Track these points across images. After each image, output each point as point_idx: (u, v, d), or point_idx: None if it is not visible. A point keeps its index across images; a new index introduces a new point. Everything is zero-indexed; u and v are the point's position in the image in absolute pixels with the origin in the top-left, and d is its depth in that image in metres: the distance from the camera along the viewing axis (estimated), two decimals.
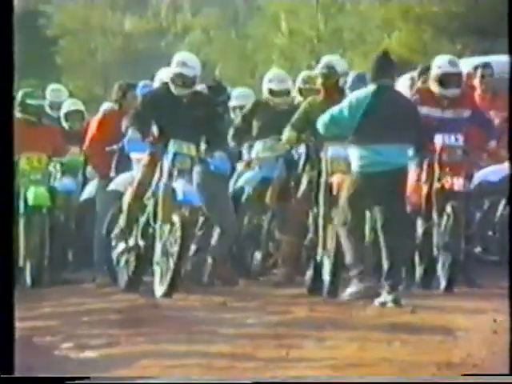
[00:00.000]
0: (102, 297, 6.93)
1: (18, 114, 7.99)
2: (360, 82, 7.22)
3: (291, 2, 23.67)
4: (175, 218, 6.74)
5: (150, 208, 6.97)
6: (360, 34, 20.76)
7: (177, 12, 32.50)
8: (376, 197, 6.37)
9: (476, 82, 8.05)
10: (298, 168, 7.26)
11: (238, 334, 5.41)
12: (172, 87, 6.99)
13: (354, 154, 6.43)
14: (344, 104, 6.47)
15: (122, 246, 7.16)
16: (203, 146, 7.10)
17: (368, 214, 6.58)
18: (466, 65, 7.93)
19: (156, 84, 7.69)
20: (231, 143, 7.70)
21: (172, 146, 6.92)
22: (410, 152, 6.60)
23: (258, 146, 7.83)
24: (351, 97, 6.53)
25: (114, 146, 7.80)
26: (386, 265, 6.37)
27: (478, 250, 7.68)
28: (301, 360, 4.79)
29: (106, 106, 8.89)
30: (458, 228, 6.83)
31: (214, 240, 7.53)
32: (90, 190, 8.36)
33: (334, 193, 6.72)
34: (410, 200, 7.03)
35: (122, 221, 7.11)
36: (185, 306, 6.41)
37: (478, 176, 7.69)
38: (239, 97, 8.40)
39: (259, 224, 7.79)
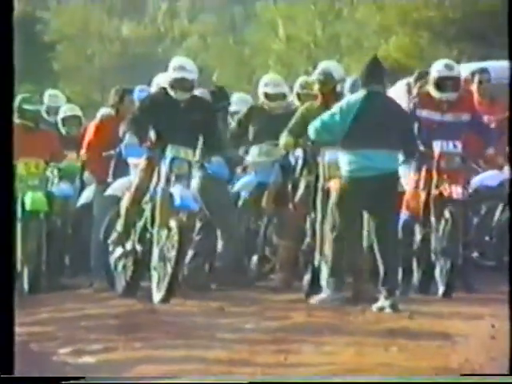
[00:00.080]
0: (100, 302, 6.92)
1: (15, 119, 7.98)
2: (357, 87, 7.22)
3: (288, 8, 23.71)
4: (172, 223, 6.73)
5: (147, 213, 6.96)
6: (357, 40, 20.79)
7: (174, 18, 32.54)
8: (366, 202, 6.38)
9: (474, 87, 8.07)
10: (295, 173, 7.27)
11: (236, 340, 5.40)
12: (171, 92, 6.99)
13: (344, 159, 6.44)
14: (335, 109, 6.49)
15: (119, 250, 7.15)
16: (201, 151, 7.10)
17: (364, 219, 6.57)
18: (464, 70, 7.94)
19: (153, 89, 7.69)
20: (227, 148, 7.71)
21: (169, 151, 6.92)
22: (400, 157, 6.61)
23: (254, 150, 7.84)
24: (342, 102, 6.55)
25: (112, 151, 7.79)
26: (381, 270, 6.38)
27: (475, 254, 7.69)
28: (299, 365, 4.78)
29: (103, 111, 8.89)
30: (456, 233, 6.84)
31: (218, 246, 7.54)
32: (87, 195, 8.35)
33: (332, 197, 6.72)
34: (408, 206, 7.03)
35: (119, 226, 7.10)
36: (182, 311, 6.40)
37: (476, 181, 7.69)
38: (237, 102, 8.41)
39: (256, 229, 7.79)
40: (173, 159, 6.90)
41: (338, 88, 7.12)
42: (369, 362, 4.80)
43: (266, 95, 7.91)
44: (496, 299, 6.20)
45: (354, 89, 7.01)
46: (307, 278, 6.95)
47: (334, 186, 6.59)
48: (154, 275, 6.79)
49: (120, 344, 5.27)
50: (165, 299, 6.65)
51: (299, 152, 7.21)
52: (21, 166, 7.78)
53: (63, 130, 8.90)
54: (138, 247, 7.02)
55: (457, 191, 6.81)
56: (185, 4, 32.86)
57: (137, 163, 7.24)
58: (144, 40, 31.39)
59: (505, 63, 8.12)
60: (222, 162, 7.13)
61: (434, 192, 6.93)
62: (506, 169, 7.53)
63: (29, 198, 7.69)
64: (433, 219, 6.95)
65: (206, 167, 7.12)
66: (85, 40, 30.93)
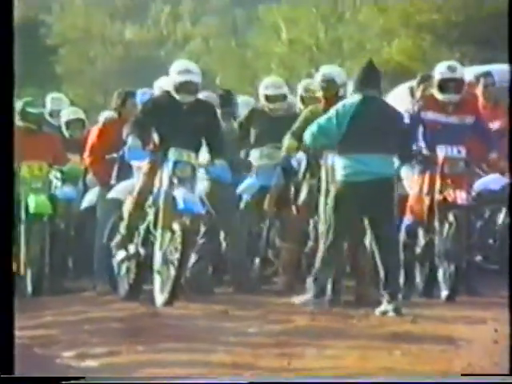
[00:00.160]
0: (103, 305, 6.92)
1: (18, 122, 7.99)
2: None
3: (291, 11, 23.72)
4: (176, 226, 6.73)
5: (150, 216, 6.96)
6: (359, 43, 20.80)
7: (176, 21, 32.57)
8: (362, 207, 6.37)
9: (478, 90, 8.07)
10: (298, 176, 7.27)
11: (240, 343, 5.40)
12: (176, 95, 6.99)
13: (339, 164, 6.44)
14: (331, 114, 6.49)
15: (122, 254, 7.15)
16: (204, 154, 7.11)
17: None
18: (468, 74, 7.95)
19: (156, 92, 7.70)
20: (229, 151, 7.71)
21: (172, 154, 6.92)
22: (396, 162, 6.61)
23: (255, 153, 7.84)
24: (338, 106, 6.55)
25: (115, 154, 7.80)
26: (382, 274, 6.38)
27: (478, 258, 7.68)
28: (302, 369, 4.78)
29: (105, 114, 8.90)
30: (460, 237, 6.84)
31: (223, 250, 7.55)
32: (90, 198, 8.36)
33: None
34: (412, 210, 7.03)
35: (122, 229, 7.10)
36: (186, 314, 6.40)
37: (479, 185, 7.69)
38: (241, 105, 8.42)
39: (258, 232, 7.79)
40: (175, 162, 6.90)
41: (341, 92, 7.13)
42: (372, 366, 4.80)
43: (267, 97, 7.93)
44: (499, 303, 6.20)
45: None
46: (310, 280, 6.94)
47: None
48: (157, 278, 6.79)
49: (123, 347, 5.27)
50: (168, 302, 6.65)
51: (302, 155, 7.21)
52: (24, 169, 7.79)
53: (67, 133, 8.91)
54: (141, 250, 7.02)
55: (461, 196, 6.81)
56: (187, 7, 32.90)
57: (140, 166, 7.24)
58: (146, 43, 31.44)
59: (507, 67, 8.11)
60: (225, 166, 7.13)
61: (438, 197, 6.93)
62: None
63: (32, 201, 7.70)
64: (436, 223, 6.94)
65: (209, 170, 7.12)
66: (87, 43, 30.98)
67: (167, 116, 6.99)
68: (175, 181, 6.89)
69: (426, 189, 7.00)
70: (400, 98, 8.20)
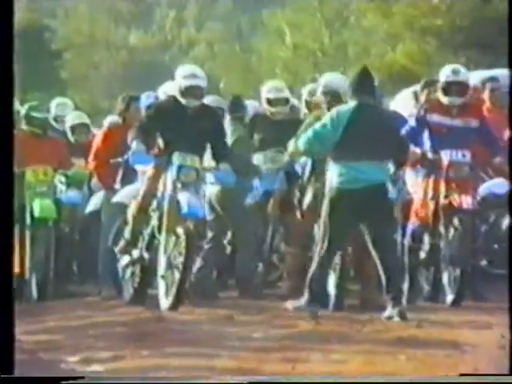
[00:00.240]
0: (108, 310, 6.92)
1: (23, 126, 8.02)
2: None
3: (295, 15, 23.74)
4: (180, 231, 6.73)
5: (154, 220, 6.96)
6: (364, 47, 20.80)
7: (181, 26, 32.61)
8: (359, 214, 6.37)
9: (485, 95, 8.06)
10: (303, 180, 7.26)
11: (244, 348, 5.39)
12: (182, 99, 7.00)
13: (334, 171, 6.44)
14: (326, 120, 6.48)
15: (126, 258, 7.15)
16: (209, 159, 7.11)
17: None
18: (474, 78, 7.93)
19: (161, 97, 7.70)
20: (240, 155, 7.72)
21: (176, 159, 6.92)
22: (391, 168, 6.60)
23: (259, 157, 7.84)
24: (332, 112, 6.55)
25: (119, 159, 7.80)
26: (384, 279, 6.37)
27: (483, 263, 7.66)
28: (307, 374, 4.77)
29: (110, 119, 8.91)
30: (465, 241, 6.83)
31: (233, 256, 7.56)
32: (95, 202, 8.36)
33: None
34: (417, 215, 7.02)
35: (126, 233, 7.11)
36: (190, 319, 6.39)
37: (484, 189, 7.68)
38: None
39: (262, 236, 7.79)
40: (180, 167, 6.91)
41: (344, 99, 7.14)
42: (377, 371, 4.78)
43: (268, 101, 7.93)
44: (505, 308, 6.17)
45: None
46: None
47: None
48: (162, 283, 6.78)
49: (128, 352, 5.27)
50: (173, 307, 6.65)
51: (307, 159, 7.21)
52: (29, 173, 7.80)
53: (71, 138, 8.92)
54: (146, 255, 7.02)
55: (467, 201, 6.80)
56: (192, 12, 32.94)
57: (145, 170, 7.25)
58: (151, 48, 31.48)
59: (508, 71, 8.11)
60: (229, 170, 7.14)
61: (443, 201, 6.92)
62: None
63: (37, 206, 7.71)
64: (441, 228, 6.93)
65: (213, 175, 7.12)
66: (92, 48, 31.03)
67: (172, 120, 6.99)
68: (179, 185, 6.89)
69: (430, 193, 6.99)
70: (404, 103, 8.20)
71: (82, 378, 4.47)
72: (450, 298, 6.88)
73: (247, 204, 7.73)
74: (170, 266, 6.77)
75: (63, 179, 8.07)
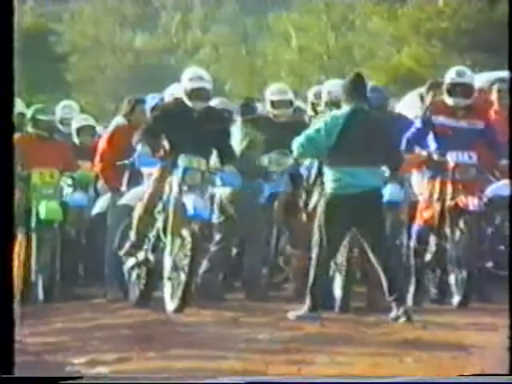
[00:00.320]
0: (114, 312, 6.92)
1: (29, 129, 8.03)
2: (374, 93, 7.24)
3: (301, 18, 23.75)
4: (185, 233, 6.73)
5: (160, 223, 6.96)
6: (370, 50, 20.80)
7: (187, 29, 32.64)
8: (353, 219, 6.37)
9: (493, 96, 8.04)
10: (309, 182, 7.25)
11: (250, 350, 5.38)
12: (188, 102, 7.01)
13: (328, 176, 6.44)
14: (320, 125, 6.49)
15: (132, 260, 7.16)
16: (214, 161, 7.11)
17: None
18: (482, 79, 7.91)
19: (167, 99, 7.71)
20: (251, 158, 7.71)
21: (182, 161, 6.93)
22: (386, 173, 6.59)
23: (264, 159, 7.84)
24: (326, 118, 6.56)
25: (126, 161, 7.81)
26: (385, 282, 6.37)
27: (489, 265, 7.65)
28: (313, 376, 4.76)
29: (115, 121, 8.92)
30: (472, 243, 6.82)
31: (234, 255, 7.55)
32: (101, 204, 8.37)
33: None
34: (423, 216, 7.02)
35: (132, 235, 7.11)
36: (196, 321, 6.39)
37: (490, 191, 7.66)
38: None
39: (267, 239, 7.78)
40: (185, 169, 6.91)
41: None
42: (383, 373, 4.77)
43: (272, 103, 7.95)
44: (511, 310, 6.15)
45: (371, 96, 7.05)
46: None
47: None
48: (168, 285, 6.78)
49: (134, 354, 5.27)
50: (179, 309, 6.64)
51: (313, 161, 7.20)
52: (35, 176, 7.81)
53: (77, 140, 8.93)
54: (151, 257, 7.02)
55: (473, 202, 6.79)
56: (197, 15, 32.97)
57: (151, 173, 7.25)
58: (156, 51, 31.52)
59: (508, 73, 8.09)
60: (235, 172, 7.14)
61: (450, 203, 6.91)
62: None
63: (43, 208, 7.71)
64: (448, 229, 6.92)
65: (219, 177, 7.12)
66: (97, 51, 31.08)
67: (178, 123, 7.00)
68: (185, 187, 6.89)
69: (436, 195, 6.98)
70: (410, 105, 8.19)
71: (82, 378, 4.47)
72: (456, 299, 6.86)
73: (255, 206, 7.72)
74: (175, 268, 6.77)
75: (69, 181, 8.07)
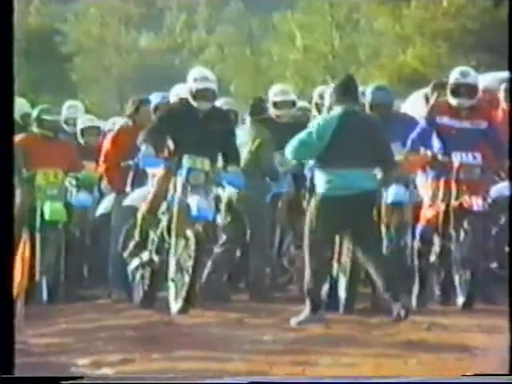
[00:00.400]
0: (118, 313, 6.91)
1: (34, 129, 8.04)
2: (380, 92, 7.23)
3: (306, 18, 23.74)
4: (189, 233, 6.73)
5: (164, 223, 6.96)
6: (375, 50, 20.77)
7: (191, 29, 32.65)
8: (345, 221, 6.36)
9: (501, 96, 8.02)
10: (312, 182, 7.24)
11: (254, 351, 5.38)
12: (193, 102, 7.00)
13: (320, 178, 6.43)
14: (312, 128, 6.48)
15: (136, 261, 7.16)
16: (219, 161, 7.11)
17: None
18: (488, 79, 7.88)
19: (172, 99, 7.71)
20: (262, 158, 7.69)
21: (186, 161, 6.93)
22: (379, 174, 6.58)
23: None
24: (318, 120, 6.55)
25: (130, 162, 7.80)
26: (379, 282, 6.36)
27: (494, 265, 7.63)
28: (317, 377, 4.76)
29: (120, 121, 8.92)
30: (477, 244, 6.80)
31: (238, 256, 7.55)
32: (105, 205, 8.36)
33: None
34: (426, 217, 7.00)
35: (136, 234, 7.11)
36: (200, 322, 6.38)
37: (494, 191, 7.64)
38: None
39: (271, 239, 7.77)
40: (189, 169, 6.91)
41: None
42: (387, 374, 4.77)
43: (275, 103, 7.94)
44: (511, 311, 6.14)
45: (376, 94, 7.02)
46: (325, 288, 6.92)
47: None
48: (172, 286, 6.78)
49: (138, 355, 5.27)
50: (183, 310, 6.64)
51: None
52: (40, 176, 7.81)
53: (82, 140, 8.93)
54: (155, 258, 7.02)
55: (478, 203, 6.77)
56: (202, 15, 32.98)
57: (155, 173, 7.25)
58: (161, 51, 31.54)
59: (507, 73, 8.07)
60: (239, 172, 7.13)
61: (454, 203, 6.90)
62: None
63: (48, 208, 7.71)
64: (452, 230, 6.91)
65: (222, 177, 7.12)
66: (102, 52, 31.10)
67: (183, 123, 7.00)
68: (189, 188, 6.89)
69: (441, 195, 6.97)
70: (416, 105, 8.17)
71: (82, 378, 4.47)
72: (460, 300, 6.85)
73: (262, 206, 7.70)
74: (179, 269, 6.76)
75: (74, 182, 8.07)
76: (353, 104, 6.48)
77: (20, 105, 8.54)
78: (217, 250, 7.56)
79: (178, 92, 7.63)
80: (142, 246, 7.07)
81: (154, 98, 7.93)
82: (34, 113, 8.11)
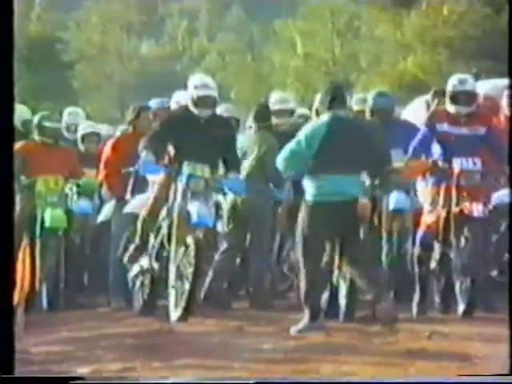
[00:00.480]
0: (118, 321, 6.90)
1: (35, 136, 8.04)
2: (381, 98, 7.21)
3: (307, 25, 23.77)
4: (189, 240, 6.72)
5: (164, 230, 6.96)
6: (376, 57, 20.79)
7: (193, 36, 32.70)
8: (333, 228, 6.35)
9: (503, 102, 8.02)
10: None
11: (254, 360, 5.36)
12: (194, 109, 7.01)
13: (309, 184, 6.43)
14: (300, 136, 6.47)
15: (136, 268, 7.14)
16: (220, 168, 7.11)
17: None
18: (488, 86, 7.87)
19: (173, 106, 7.71)
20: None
21: (186, 168, 6.93)
22: (367, 180, 6.57)
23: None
24: (306, 128, 6.54)
25: (131, 168, 7.80)
26: (362, 286, 6.36)
27: (494, 273, 7.61)
28: (318, 377, 4.74)
29: (120, 128, 8.93)
30: (477, 251, 6.79)
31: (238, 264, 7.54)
32: (106, 212, 8.35)
33: None
34: (426, 223, 6.99)
35: (136, 238, 7.10)
36: (200, 330, 6.37)
37: (495, 198, 7.63)
38: None
39: (270, 246, 7.76)
40: (189, 176, 6.91)
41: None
42: (388, 383, 4.75)
43: (273, 112, 7.93)
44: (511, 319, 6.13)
45: (377, 100, 7.00)
46: (325, 296, 6.90)
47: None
48: (172, 293, 6.77)
49: (138, 364, 5.25)
50: (182, 318, 6.63)
51: None
52: (40, 183, 7.81)
53: (82, 147, 8.93)
54: (155, 265, 7.01)
55: (478, 209, 6.76)
56: (203, 23, 33.02)
57: (155, 180, 7.24)
58: (162, 58, 31.58)
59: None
60: (239, 179, 7.13)
61: (455, 209, 6.89)
62: None
63: (48, 215, 7.71)
64: (452, 236, 6.90)
65: (223, 183, 7.12)
66: (104, 59, 31.15)
67: (184, 130, 7.00)
68: (189, 194, 6.89)
69: (441, 201, 6.96)
70: (417, 111, 8.17)
71: (83, 378, 4.46)
72: (461, 308, 6.83)
73: (266, 213, 7.68)
74: (179, 276, 6.75)
75: (74, 188, 8.06)
76: (340, 110, 6.47)
77: (20, 112, 8.56)
78: (218, 257, 7.55)
79: (179, 99, 7.63)
80: (142, 249, 7.06)
81: (154, 104, 7.94)
82: (35, 120, 8.12)
